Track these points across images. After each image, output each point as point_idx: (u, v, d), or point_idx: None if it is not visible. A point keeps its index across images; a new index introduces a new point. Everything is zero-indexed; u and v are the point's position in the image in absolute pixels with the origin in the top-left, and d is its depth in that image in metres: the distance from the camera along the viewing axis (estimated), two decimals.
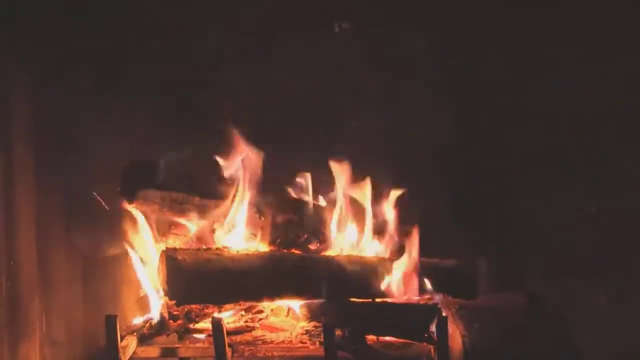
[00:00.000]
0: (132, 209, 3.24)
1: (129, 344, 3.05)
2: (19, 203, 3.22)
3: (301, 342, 3.15)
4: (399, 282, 3.26)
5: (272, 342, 3.14)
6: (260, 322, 3.25)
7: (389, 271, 3.27)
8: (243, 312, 3.27)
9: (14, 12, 3.25)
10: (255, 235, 3.32)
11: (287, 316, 3.31)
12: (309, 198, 3.43)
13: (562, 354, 3.08)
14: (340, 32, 3.68)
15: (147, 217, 3.26)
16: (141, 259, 3.26)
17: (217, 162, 3.33)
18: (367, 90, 3.66)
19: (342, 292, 3.21)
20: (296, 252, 3.32)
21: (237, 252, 3.23)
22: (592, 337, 3.30)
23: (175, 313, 3.13)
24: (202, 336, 3.15)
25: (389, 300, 3.24)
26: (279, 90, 3.59)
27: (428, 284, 3.27)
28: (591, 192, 3.59)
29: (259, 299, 3.18)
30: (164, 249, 3.18)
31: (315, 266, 3.24)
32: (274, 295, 3.15)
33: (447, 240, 3.54)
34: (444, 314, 3.06)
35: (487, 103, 3.65)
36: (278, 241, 3.32)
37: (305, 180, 3.44)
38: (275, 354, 3.09)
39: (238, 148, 3.33)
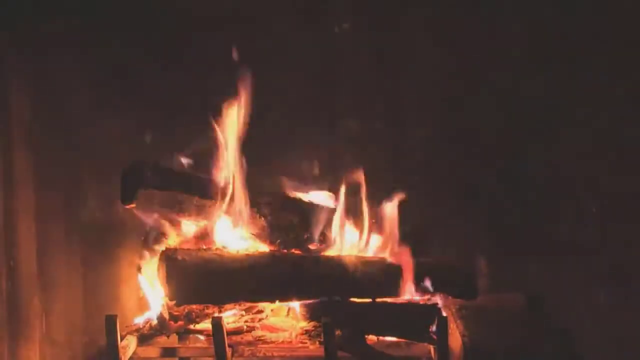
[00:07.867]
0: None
1: (129, 344, 3.06)
2: (18, 203, 3.22)
3: (301, 342, 3.15)
4: (399, 282, 3.25)
5: (272, 342, 3.15)
6: (260, 322, 3.25)
7: (389, 271, 3.27)
8: (243, 312, 3.28)
9: (13, 10, 3.25)
10: (255, 235, 3.32)
11: (287, 316, 3.30)
12: (309, 198, 3.43)
13: (561, 354, 3.08)
14: (340, 32, 3.68)
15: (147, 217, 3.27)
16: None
17: (216, 162, 3.34)
18: (367, 86, 3.66)
19: (342, 292, 3.21)
20: (296, 252, 3.32)
21: (237, 252, 3.23)
22: (592, 337, 3.30)
23: (175, 313, 3.14)
24: (202, 336, 3.15)
25: (389, 300, 3.24)
26: (278, 90, 3.59)
27: (427, 284, 3.27)
28: (591, 191, 3.59)
29: (259, 299, 3.19)
30: (164, 249, 3.18)
31: (316, 266, 3.24)
32: (274, 295, 3.15)
33: (448, 239, 3.54)
34: (444, 314, 3.07)
35: (486, 101, 3.64)
36: (278, 241, 3.32)
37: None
38: (275, 354, 3.10)
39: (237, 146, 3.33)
